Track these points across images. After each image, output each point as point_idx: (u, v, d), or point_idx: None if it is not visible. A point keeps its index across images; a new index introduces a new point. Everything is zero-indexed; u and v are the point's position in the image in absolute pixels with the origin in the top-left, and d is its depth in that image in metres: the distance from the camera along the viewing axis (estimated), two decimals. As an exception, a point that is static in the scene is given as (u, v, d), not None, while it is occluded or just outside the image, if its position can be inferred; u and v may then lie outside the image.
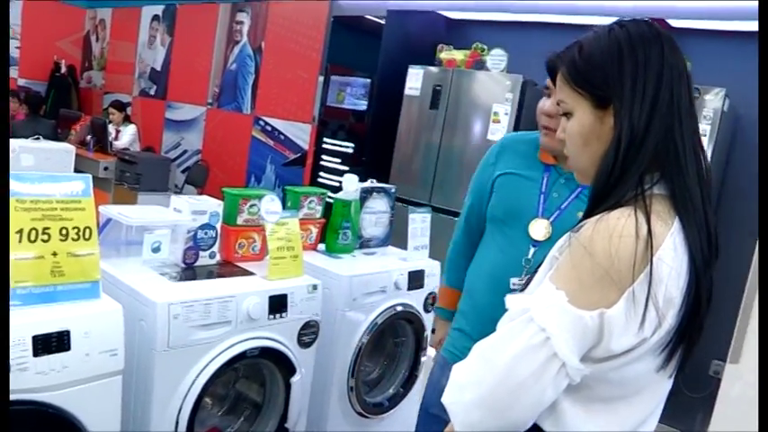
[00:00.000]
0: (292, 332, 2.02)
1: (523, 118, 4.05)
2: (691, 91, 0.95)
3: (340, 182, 2.48)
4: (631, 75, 0.93)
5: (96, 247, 1.53)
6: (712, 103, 3.37)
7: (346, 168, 4.83)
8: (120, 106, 7.01)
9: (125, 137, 6.73)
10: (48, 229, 1.44)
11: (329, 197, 2.51)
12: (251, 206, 2.16)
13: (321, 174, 5.15)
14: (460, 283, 1.84)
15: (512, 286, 1.58)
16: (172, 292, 1.77)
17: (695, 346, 0.92)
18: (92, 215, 1.52)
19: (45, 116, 7.61)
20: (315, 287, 2.07)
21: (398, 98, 4.59)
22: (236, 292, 1.86)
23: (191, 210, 2.01)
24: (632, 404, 0.94)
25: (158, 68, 7.78)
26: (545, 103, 1.58)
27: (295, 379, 2.01)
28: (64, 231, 1.47)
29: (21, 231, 1.40)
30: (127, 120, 7.07)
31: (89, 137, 6.52)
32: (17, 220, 1.40)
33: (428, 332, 2.58)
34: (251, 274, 2.06)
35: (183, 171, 7.13)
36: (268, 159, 6.31)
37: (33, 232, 1.42)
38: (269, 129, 6.31)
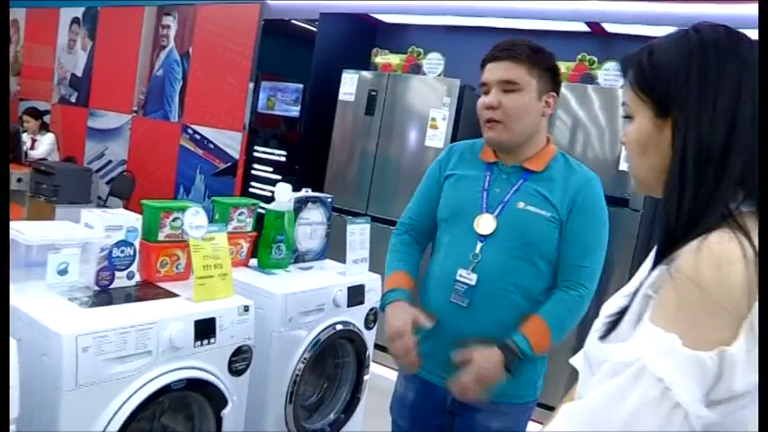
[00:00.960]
0: (222, 359, 1.83)
1: (462, 123, 3.97)
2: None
3: (272, 192, 2.32)
4: (699, 87, 0.86)
5: (-15, 273, 1.31)
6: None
7: (279, 177, 4.66)
8: (35, 114, 6.61)
9: (42, 146, 6.36)
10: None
11: (261, 208, 2.34)
12: (174, 220, 1.97)
13: (253, 183, 4.95)
14: (409, 265, 1.80)
15: (457, 277, 1.62)
16: (81, 320, 1.55)
17: None
18: (-22, 236, 1.30)
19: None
20: (246, 308, 1.89)
21: (332, 104, 4.45)
22: (157, 318, 1.66)
23: (104, 225, 1.79)
24: None
25: (79, 74, 7.38)
26: (484, 99, 1.63)
27: (226, 411, 1.82)
28: (-55, 255, 1.25)
29: None
30: (44, 128, 6.68)
31: (1, 146, 6.10)
32: None
33: (370, 351, 2.44)
34: (175, 295, 1.87)
35: (107, 182, 6.77)
36: (197, 169, 6.05)
37: None
38: (198, 137, 6.05)
